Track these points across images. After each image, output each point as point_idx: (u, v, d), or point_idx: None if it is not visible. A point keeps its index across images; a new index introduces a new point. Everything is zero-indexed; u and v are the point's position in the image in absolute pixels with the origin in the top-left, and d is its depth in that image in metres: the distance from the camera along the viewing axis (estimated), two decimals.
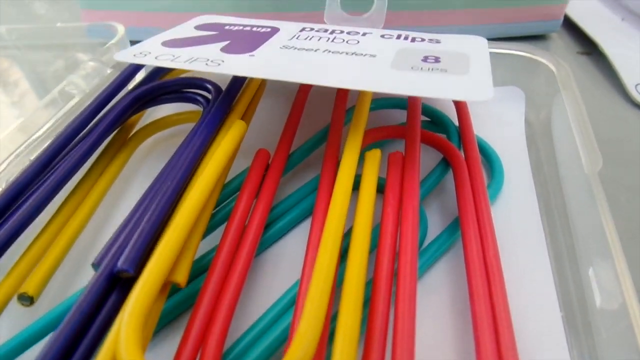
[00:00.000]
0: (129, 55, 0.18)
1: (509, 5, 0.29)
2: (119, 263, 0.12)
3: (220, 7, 0.30)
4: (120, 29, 0.25)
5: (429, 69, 0.17)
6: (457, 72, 0.17)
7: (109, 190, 0.19)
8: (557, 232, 0.18)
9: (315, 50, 0.19)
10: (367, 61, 0.18)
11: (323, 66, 0.17)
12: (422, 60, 0.18)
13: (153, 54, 0.18)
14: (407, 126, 0.19)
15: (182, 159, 0.16)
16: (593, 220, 0.15)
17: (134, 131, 0.21)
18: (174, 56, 0.18)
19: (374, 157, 0.17)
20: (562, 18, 0.30)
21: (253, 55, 0.18)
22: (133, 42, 0.29)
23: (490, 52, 0.20)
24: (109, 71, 0.22)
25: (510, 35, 0.31)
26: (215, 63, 0.17)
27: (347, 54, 0.19)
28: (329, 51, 0.19)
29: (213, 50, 0.19)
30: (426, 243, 0.17)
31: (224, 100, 0.19)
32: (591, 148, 0.16)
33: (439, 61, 0.18)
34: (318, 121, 0.21)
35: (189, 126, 0.22)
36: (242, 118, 0.20)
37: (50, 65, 0.28)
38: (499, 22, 0.30)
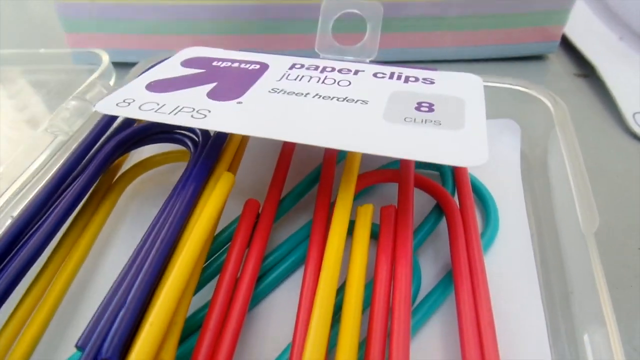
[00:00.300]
0: (111, 105, 0.17)
1: (505, 27, 0.29)
2: (103, 351, 0.12)
3: (208, 28, 0.29)
4: (105, 58, 0.25)
5: (422, 121, 0.16)
6: (452, 125, 0.16)
7: (95, 242, 0.18)
8: (553, 287, 0.17)
9: (305, 95, 0.18)
10: (358, 110, 0.17)
11: (313, 119, 0.16)
12: (416, 108, 0.17)
13: (137, 101, 0.18)
14: (400, 171, 0.19)
15: (169, 220, 0.16)
16: (588, 282, 0.15)
17: (119, 173, 0.21)
18: (158, 104, 0.17)
19: (366, 212, 0.17)
20: (559, 39, 0.29)
21: (240, 103, 0.18)
22: (118, 65, 0.28)
23: (486, 86, 0.20)
24: (93, 109, 0.21)
25: (505, 56, 0.30)
26: (201, 114, 0.17)
27: (338, 99, 0.18)
28: (320, 96, 0.18)
29: (199, 95, 0.18)
30: (421, 294, 0.17)
31: (211, 148, 0.18)
32: (588, 207, 0.16)
33: (433, 109, 0.17)
34: (309, 161, 0.21)
35: (175, 165, 0.22)
36: (231, 164, 0.19)
37: (33, 95, 0.27)
38: (495, 44, 0.29)
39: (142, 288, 0.14)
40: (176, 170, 0.22)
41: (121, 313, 0.13)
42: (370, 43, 0.24)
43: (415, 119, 0.17)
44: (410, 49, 0.30)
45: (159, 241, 0.15)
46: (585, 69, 0.30)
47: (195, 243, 0.15)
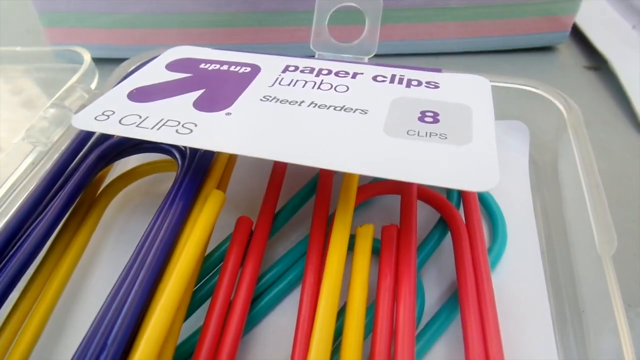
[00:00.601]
0: (89, 119, 0.16)
1: (512, 17, 0.27)
2: None
3: (196, 21, 0.27)
4: (86, 57, 0.23)
5: (426, 134, 0.15)
6: (458, 139, 0.15)
7: (80, 260, 0.17)
8: (564, 306, 0.16)
9: (300, 104, 0.17)
10: (357, 122, 0.16)
11: (307, 135, 0.15)
12: (419, 118, 0.16)
13: (117, 113, 0.16)
14: (402, 184, 0.18)
15: (156, 244, 0.15)
16: (603, 304, 0.14)
17: (102, 186, 0.19)
18: (140, 117, 0.16)
19: (366, 234, 0.15)
20: (569, 29, 0.28)
21: (229, 114, 0.16)
22: (101, 61, 0.27)
23: (493, 86, 0.18)
24: (73, 116, 0.20)
25: (512, 48, 0.28)
26: (187, 129, 0.15)
27: (335, 108, 0.17)
28: (315, 104, 0.17)
29: (185, 105, 0.17)
30: (425, 316, 0.16)
31: (200, 161, 0.17)
32: (606, 228, 0.14)
33: (438, 120, 0.16)
34: (305, 171, 0.20)
35: (160, 175, 0.21)
36: (221, 177, 0.18)
37: (10, 97, 0.25)
38: (501, 35, 0.28)
39: (129, 317, 0.13)
40: (163, 180, 0.21)
41: (108, 343, 0.12)
42: (369, 39, 0.22)
43: (418, 132, 0.15)
44: (411, 41, 0.28)
45: (145, 266, 0.14)
46: (596, 61, 0.28)
47: (184, 267, 0.14)
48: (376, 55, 0.22)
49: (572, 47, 0.29)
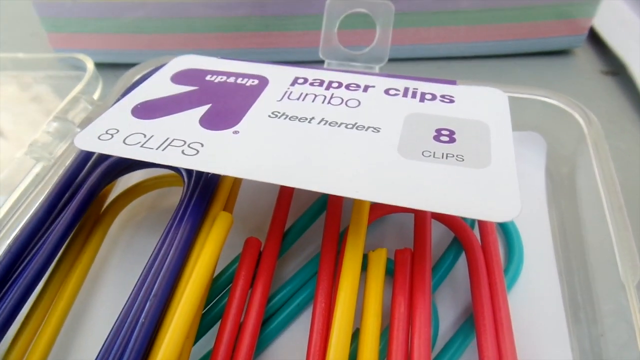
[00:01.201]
0: (92, 139, 0.15)
1: (526, 20, 0.26)
2: None
3: (201, 26, 0.26)
4: (90, 66, 0.22)
5: (443, 156, 0.15)
6: (476, 161, 0.14)
7: (85, 279, 0.17)
8: (582, 329, 0.16)
9: (310, 121, 0.16)
10: (370, 141, 0.15)
11: (317, 157, 0.15)
12: (435, 137, 0.15)
13: (121, 132, 0.16)
14: None
15: (164, 268, 0.14)
16: (623, 329, 0.14)
17: (107, 202, 0.19)
18: (145, 136, 0.16)
19: (379, 259, 0.15)
20: (586, 32, 0.27)
21: (237, 133, 0.16)
22: (102, 65, 0.26)
23: (509, 97, 0.18)
24: (77, 130, 0.19)
25: (527, 52, 0.28)
26: (193, 149, 0.15)
27: (346, 126, 0.16)
28: (326, 121, 0.16)
29: (191, 123, 0.16)
30: (440, 341, 0.16)
31: (207, 179, 0.17)
32: (630, 254, 0.14)
33: (454, 139, 0.15)
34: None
35: (166, 190, 0.20)
36: (228, 196, 0.17)
37: (12, 106, 0.25)
38: (514, 38, 0.27)
39: (139, 344, 0.13)
40: (169, 194, 0.20)
41: None
42: (380, 46, 0.22)
43: (434, 153, 0.15)
44: (422, 46, 0.27)
45: (152, 294, 0.14)
46: (614, 65, 0.27)
47: (193, 293, 0.14)
48: (386, 74, 0.21)
49: (588, 51, 0.28)
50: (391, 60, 0.22)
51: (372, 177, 0.14)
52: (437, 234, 0.18)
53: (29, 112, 0.24)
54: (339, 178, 0.14)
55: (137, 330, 0.13)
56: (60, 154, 0.19)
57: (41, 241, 0.16)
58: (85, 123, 0.19)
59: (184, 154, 0.15)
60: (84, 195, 0.17)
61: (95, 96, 0.23)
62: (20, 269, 0.15)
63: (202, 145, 0.15)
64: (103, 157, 0.18)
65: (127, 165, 0.18)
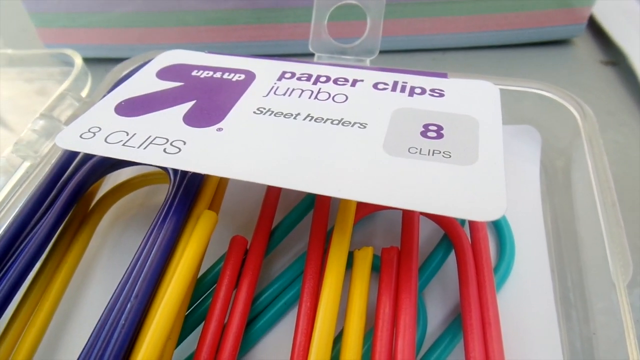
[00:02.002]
0: (74, 138, 0.15)
1: (524, 9, 0.25)
2: None
3: (192, 19, 0.26)
4: (78, 61, 0.22)
5: (429, 152, 0.14)
6: (464, 158, 0.14)
7: (72, 278, 0.17)
8: (574, 329, 0.15)
9: (295, 117, 0.16)
10: (355, 138, 0.15)
11: (302, 154, 0.14)
12: (422, 133, 0.15)
13: (103, 130, 0.16)
14: None
15: (146, 267, 0.14)
16: (614, 329, 0.13)
17: (94, 200, 0.19)
18: (127, 134, 0.15)
19: (365, 258, 0.15)
20: (585, 22, 0.26)
21: (221, 130, 0.15)
22: (93, 60, 0.26)
23: (503, 89, 0.17)
24: (63, 128, 0.19)
25: (524, 42, 0.27)
26: (176, 147, 0.15)
27: (332, 122, 0.16)
28: (311, 117, 0.16)
29: (174, 120, 0.16)
30: (427, 340, 0.15)
31: (192, 176, 0.16)
32: (621, 253, 0.14)
33: (442, 135, 0.15)
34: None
35: (156, 187, 0.20)
36: (214, 194, 0.17)
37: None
38: (512, 28, 0.26)
39: (119, 345, 0.12)
40: (157, 191, 0.20)
41: None
42: (371, 39, 0.21)
43: (421, 150, 0.14)
44: (416, 37, 0.27)
45: (134, 294, 0.13)
46: (614, 55, 0.26)
47: (175, 294, 0.14)
48: (379, 52, 0.21)
49: (588, 40, 0.28)
50: (384, 52, 0.22)
51: (357, 175, 0.13)
52: (429, 230, 0.18)
53: (17, 108, 0.24)
54: (323, 176, 0.13)
55: (117, 332, 0.13)
56: (46, 153, 0.18)
57: (27, 240, 0.16)
58: (71, 120, 0.19)
59: (165, 152, 0.15)
60: (70, 194, 0.17)
61: (85, 92, 0.22)
62: (5, 267, 0.15)
63: (185, 143, 0.15)
64: (89, 155, 0.18)
65: (114, 163, 0.18)
